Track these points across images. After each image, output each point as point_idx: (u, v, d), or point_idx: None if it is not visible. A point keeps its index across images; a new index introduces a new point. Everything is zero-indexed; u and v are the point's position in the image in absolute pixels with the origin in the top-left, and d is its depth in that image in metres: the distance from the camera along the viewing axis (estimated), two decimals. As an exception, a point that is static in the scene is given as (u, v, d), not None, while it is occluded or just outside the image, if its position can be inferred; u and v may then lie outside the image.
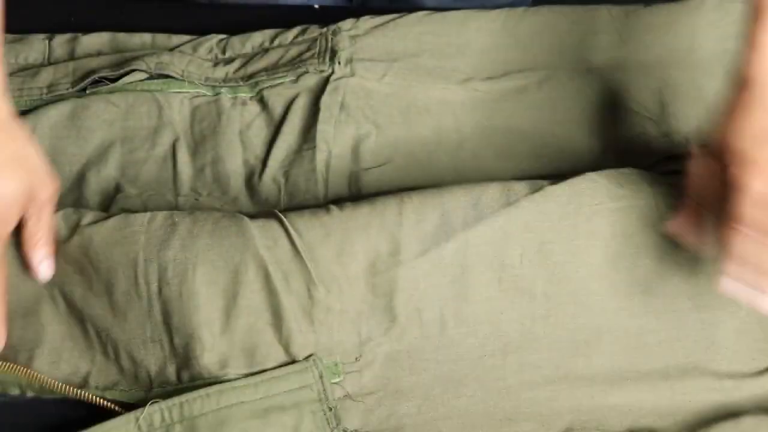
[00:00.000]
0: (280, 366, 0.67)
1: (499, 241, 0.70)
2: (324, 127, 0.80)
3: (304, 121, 0.81)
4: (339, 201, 0.75)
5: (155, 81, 0.81)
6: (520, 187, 0.72)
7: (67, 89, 0.81)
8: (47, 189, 0.69)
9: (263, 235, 0.69)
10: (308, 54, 0.83)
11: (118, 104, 0.80)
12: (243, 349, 0.67)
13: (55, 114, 0.79)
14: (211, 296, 0.67)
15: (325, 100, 0.81)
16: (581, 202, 0.71)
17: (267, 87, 0.83)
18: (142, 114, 0.80)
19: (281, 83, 0.83)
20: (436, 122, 0.82)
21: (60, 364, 0.69)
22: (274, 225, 0.70)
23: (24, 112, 0.80)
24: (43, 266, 0.69)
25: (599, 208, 0.71)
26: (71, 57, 0.84)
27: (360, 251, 0.69)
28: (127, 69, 0.80)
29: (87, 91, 0.81)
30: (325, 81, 0.82)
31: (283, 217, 0.70)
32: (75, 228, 0.70)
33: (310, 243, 0.69)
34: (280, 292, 0.67)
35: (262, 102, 0.82)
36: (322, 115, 0.80)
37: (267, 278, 0.68)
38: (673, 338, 0.70)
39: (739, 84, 0.66)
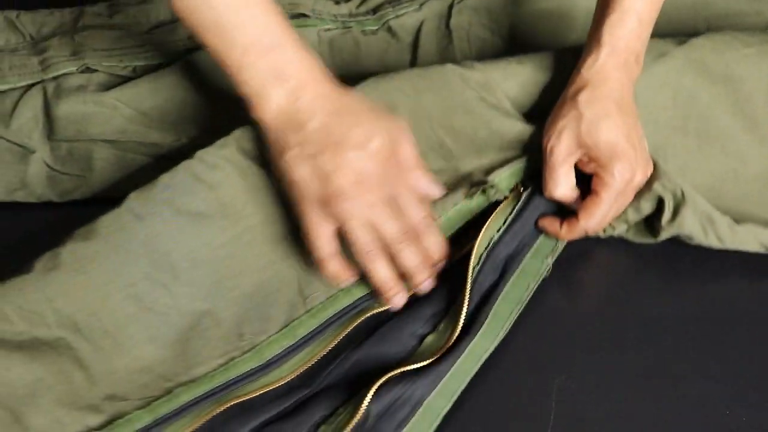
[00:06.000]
0: None
1: (656, 87, 0.78)
2: (460, 45, 0.84)
3: (438, 43, 0.86)
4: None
5: (291, 21, 0.84)
6: (667, 42, 0.79)
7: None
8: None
9: None
10: (429, -19, 0.88)
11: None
12: None
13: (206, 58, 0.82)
14: None
15: (453, 22, 0.86)
16: (721, 50, 0.79)
17: (392, 18, 0.87)
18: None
19: (406, 12, 0.87)
20: (554, 26, 0.87)
21: None
22: None
23: (164, 65, 0.83)
24: None
25: (736, 55, 0.79)
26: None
27: None
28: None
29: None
30: (448, 5, 0.87)
31: None
32: None
33: None
34: None
35: (390, 31, 0.86)
36: (455, 35, 0.85)
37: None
38: None
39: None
